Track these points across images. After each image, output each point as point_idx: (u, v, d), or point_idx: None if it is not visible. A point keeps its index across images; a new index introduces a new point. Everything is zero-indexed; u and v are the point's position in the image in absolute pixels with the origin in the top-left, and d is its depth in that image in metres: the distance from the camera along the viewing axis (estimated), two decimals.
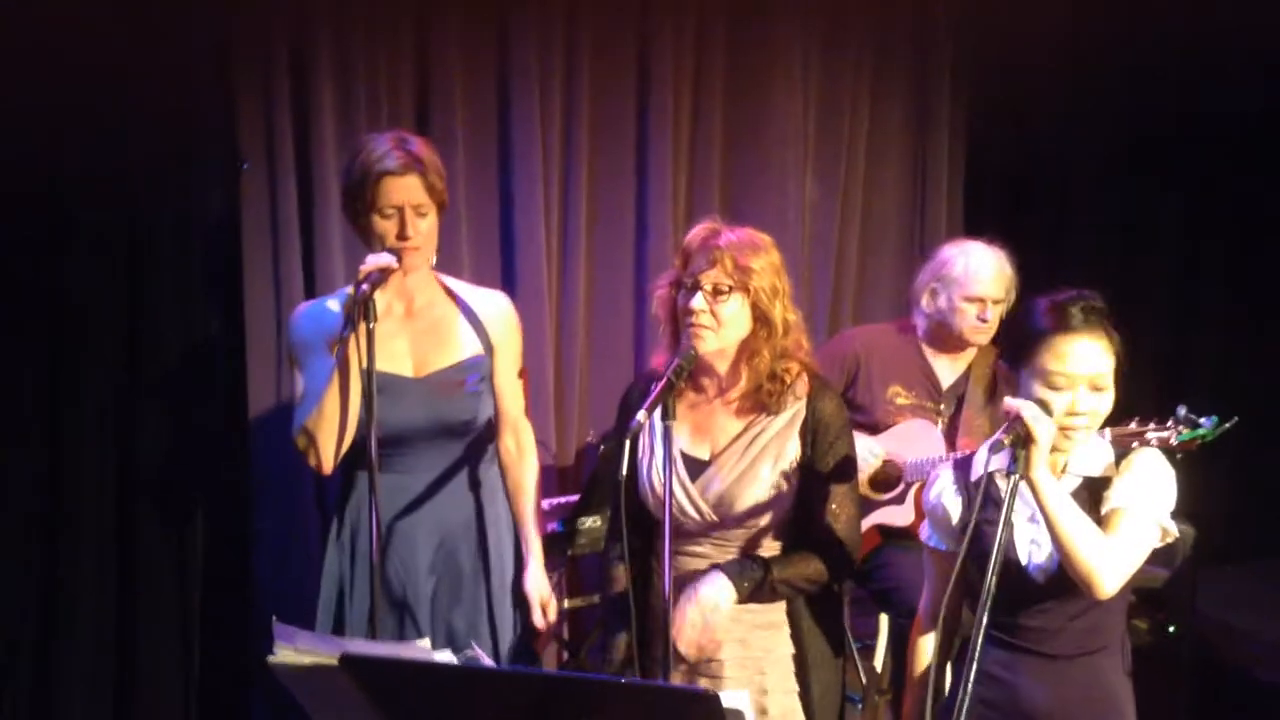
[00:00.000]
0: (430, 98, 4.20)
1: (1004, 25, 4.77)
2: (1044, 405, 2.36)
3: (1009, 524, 2.26)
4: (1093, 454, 2.48)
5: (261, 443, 3.82)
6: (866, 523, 3.74)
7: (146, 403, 3.71)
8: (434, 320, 2.99)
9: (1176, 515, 4.23)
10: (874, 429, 3.79)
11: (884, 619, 3.99)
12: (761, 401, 2.74)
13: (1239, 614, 4.53)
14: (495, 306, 3.05)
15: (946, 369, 3.83)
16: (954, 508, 2.59)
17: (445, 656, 2.00)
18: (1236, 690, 4.35)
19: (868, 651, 4.06)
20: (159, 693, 3.81)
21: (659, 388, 2.55)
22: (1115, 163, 5.00)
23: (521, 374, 3.10)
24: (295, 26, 3.91)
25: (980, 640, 2.18)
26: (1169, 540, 2.46)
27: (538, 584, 3.02)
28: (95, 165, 3.55)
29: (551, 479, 4.52)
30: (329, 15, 3.97)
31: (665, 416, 2.59)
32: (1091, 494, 2.45)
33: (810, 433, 2.73)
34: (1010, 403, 2.35)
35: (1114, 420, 3.47)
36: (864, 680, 3.99)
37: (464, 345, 2.98)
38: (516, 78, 4.33)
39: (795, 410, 2.75)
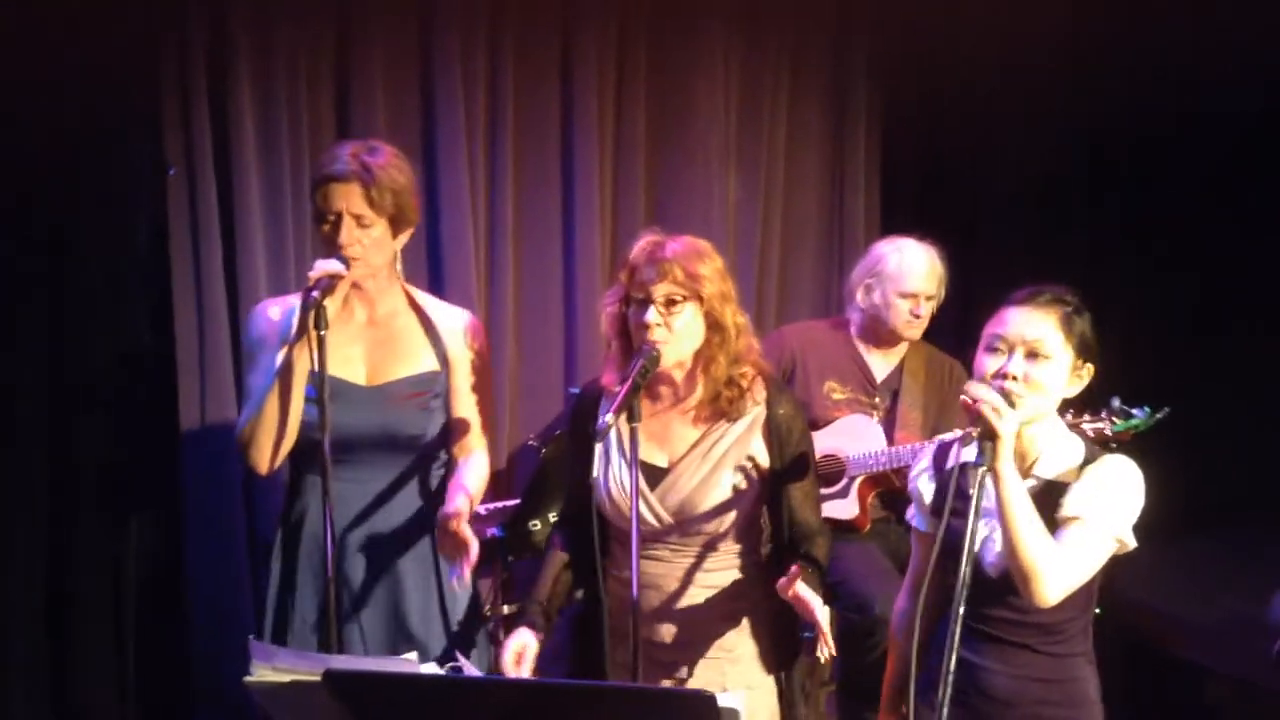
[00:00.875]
0: (351, 101, 4.14)
1: (921, 24, 4.86)
2: (983, 374, 2.42)
3: (979, 516, 2.29)
4: (1061, 454, 2.49)
5: (191, 452, 3.71)
6: None
7: (78, 412, 3.57)
8: (394, 331, 2.94)
9: None
10: (812, 425, 3.79)
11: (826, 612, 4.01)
12: (721, 409, 2.74)
13: (1157, 595, 4.66)
14: (457, 323, 2.98)
15: (880, 363, 3.89)
16: (927, 491, 2.64)
17: (431, 669, 1.97)
18: (1155, 668, 4.48)
19: (809, 644, 4.08)
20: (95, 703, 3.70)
21: (625, 389, 2.53)
22: (1034, 160, 5.10)
23: (487, 396, 3.01)
24: (214, 27, 3.81)
25: (958, 631, 2.20)
26: (1127, 551, 2.45)
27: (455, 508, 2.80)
28: (22, 165, 3.40)
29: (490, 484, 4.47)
30: (248, 18, 3.88)
31: (631, 419, 2.57)
32: (1050, 497, 2.46)
33: (776, 438, 2.75)
34: (972, 388, 2.37)
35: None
36: (798, 678, 4.01)
37: (420, 359, 2.93)
38: (440, 81, 4.29)
39: (755, 414, 2.75)
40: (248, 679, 2.01)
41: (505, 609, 4.37)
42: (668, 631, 2.75)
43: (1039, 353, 2.43)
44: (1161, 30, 4.56)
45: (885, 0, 4.89)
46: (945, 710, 2.15)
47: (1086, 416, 3.47)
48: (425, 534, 2.95)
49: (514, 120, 4.45)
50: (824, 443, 3.79)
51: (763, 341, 4.10)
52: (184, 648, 3.68)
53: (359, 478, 2.89)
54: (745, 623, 2.78)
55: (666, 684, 2.71)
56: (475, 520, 3.90)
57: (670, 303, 2.64)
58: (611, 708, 1.87)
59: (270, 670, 1.98)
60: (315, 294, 2.67)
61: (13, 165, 3.38)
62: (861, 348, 3.90)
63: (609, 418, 2.47)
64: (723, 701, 1.84)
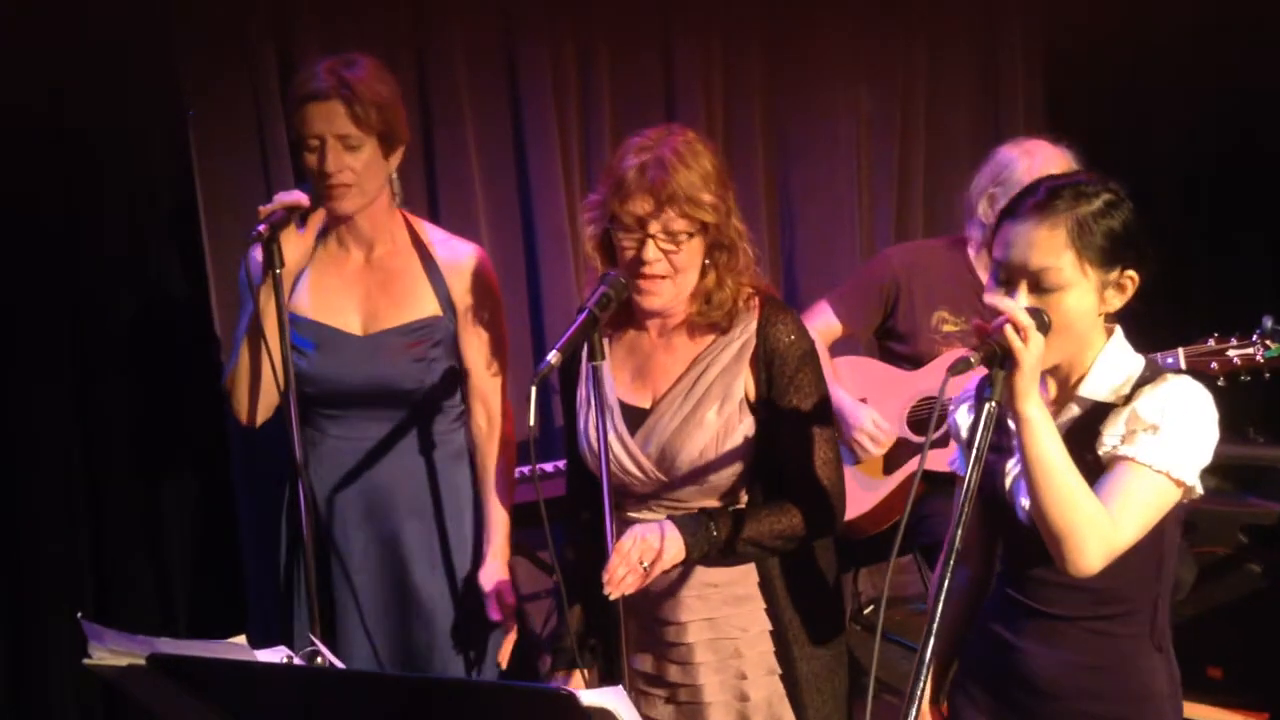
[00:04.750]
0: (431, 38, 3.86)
1: None
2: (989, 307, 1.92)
3: (980, 460, 1.80)
4: (1111, 374, 1.97)
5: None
6: (906, 469, 3.31)
7: (103, 374, 3.41)
8: (391, 272, 2.66)
9: None
10: (917, 361, 3.32)
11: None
12: (713, 322, 2.31)
13: None
14: (462, 261, 2.66)
15: None
16: (965, 425, 2.18)
17: (272, 656, 1.68)
18: None
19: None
20: None
21: (578, 322, 2.14)
22: (1202, 76, 4.33)
23: (499, 338, 2.71)
24: None
25: (946, 583, 1.74)
26: (1193, 498, 1.93)
27: (492, 575, 2.64)
28: (34, 118, 3.24)
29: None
30: None
31: (593, 356, 2.19)
32: (1091, 425, 1.95)
33: (764, 367, 2.29)
34: (991, 300, 1.91)
35: (1189, 338, 3.00)
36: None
37: (420, 304, 2.64)
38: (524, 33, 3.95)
39: (744, 340, 2.31)
40: (86, 661, 1.77)
41: None
42: (669, 607, 2.36)
43: (1047, 285, 1.91)
44: None
45: None
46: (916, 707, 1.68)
47: (1233, 341, 2.89)
48: (430, 495, 2.68)
49: (609, 22, 4.05)
50: (923, 384, 3.29)
51: (862, 267, 3.65)
52: (237, 616, 3.52)
53: (353, 434, 2.66)
54: (758, 597, 2.36)
55: (674, 668, 2.37)
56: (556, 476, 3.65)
57: (670, 235, 2.22)
58: (462, 703, 1.54)
59: (106, 652, 1.74)
60: (261, 229, 2.42)
61: (25, 120, 3.23)
62: (982, 271, 3.34)
63: (552, 356, 2.08)
64: (588, 700, 1.47)
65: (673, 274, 2.24)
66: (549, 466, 3.69)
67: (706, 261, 2.28)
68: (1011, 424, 1.97)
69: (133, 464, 3.42)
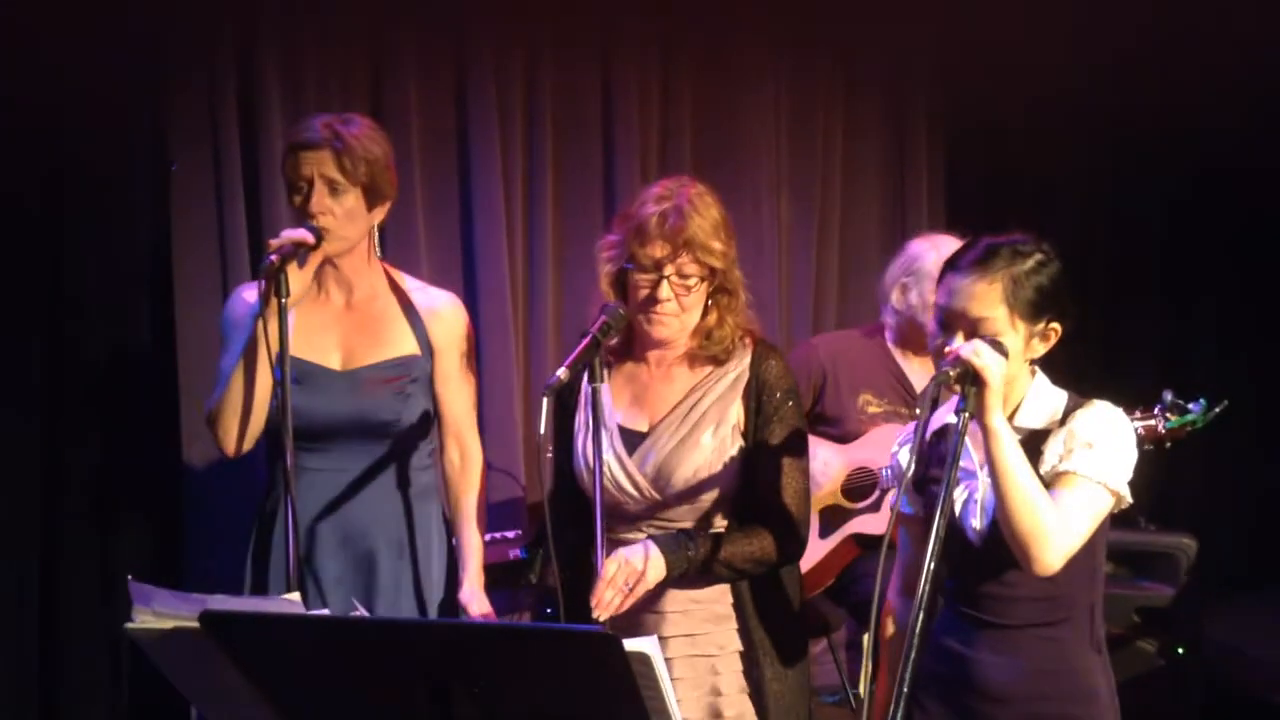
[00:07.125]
0: (384, 94, 4.06)
1: (983, 39, 4.64)
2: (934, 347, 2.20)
3: (955, 464, 2.03)
4: (1042, 405, 2.25)
5: (195, 457, 3.61)
6: (842, 533, 3.52)
7: (72, 412, 3.48)
8: (372, 314, 2.81)
9: (1179, 528, 4.02)
10: (845, 440, 3.57)
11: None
12: (711, 355, 2.55)
13: (1255, 640, 4.22)
14: (441, 306, 2.84)
15: (919, 372, 3.60)
16: (906, 463, 2.35)
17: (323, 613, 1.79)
18: (1248, 716, 4.05)
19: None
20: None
21: (582, 345, 2.34)
22: (1099, 169, 4.81)
23: (472, 378, 2.87)
24: (241, 20, 3.76)
25: (922, 603, 1.93)
26: (1124, 506, 2.21)
27: (473, 597, 2.76)
28: (20, 160, 3.36)
29: (520, 509, 4.29)
30: (278, 18, 3.83)
31: (593, 378, 2.38)
32: (1032, 448, 2.20)
33: (754, 397, 2.53)
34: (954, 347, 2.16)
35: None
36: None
37: (398, 343, 2.79)
38: (475, 114, 4.18)
39: (738, 373, 2.55)
40: (129, 625, 1.84)
41: None
42: (653, 623, 2.49)
43: (982, 334, 2.17)
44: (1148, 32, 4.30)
45: (947, 17, 4.68)
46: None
47: (1136, 413, 3.18)
48: (403, 527, 2.78)
49: (554, 152, 4.34)
50: (856, 455, 3.53)
51: (790, 355, 3.91)
52: None
53: (331, 466, 2.75)
54: (732, 616, 2.52)
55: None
56: (503, 543, 3.78)
57: (683, 277, 2.47)
58: (507, 648, 1.67)
59: (150, 615, 1.81)
60: (273, 258, 2.56)
61: (12, 160, 3.34)
62: (898, 355, 3.64)
63: (561, 372, 2.28)
64: (631, 645, 1.62)
65: (680, 312, 2.49)
66: (497, 535, 3.82)
67: (709, 302, 2.53)
68: (968, 453, 2.22)
69: (90, 507, 3.46)
